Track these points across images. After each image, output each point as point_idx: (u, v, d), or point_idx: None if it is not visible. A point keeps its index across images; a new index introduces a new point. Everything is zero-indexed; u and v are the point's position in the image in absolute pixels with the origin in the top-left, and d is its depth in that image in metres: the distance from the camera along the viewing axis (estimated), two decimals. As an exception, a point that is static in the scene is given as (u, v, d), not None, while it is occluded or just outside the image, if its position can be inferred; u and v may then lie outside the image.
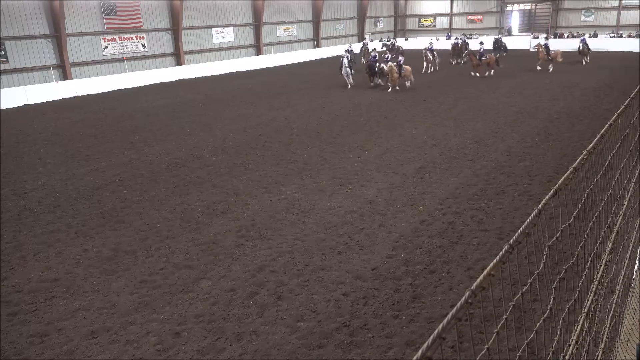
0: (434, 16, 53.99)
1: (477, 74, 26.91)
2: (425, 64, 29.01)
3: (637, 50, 32.63)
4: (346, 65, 24.71)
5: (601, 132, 3.04)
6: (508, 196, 9.82)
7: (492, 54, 28.67)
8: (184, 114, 19.81)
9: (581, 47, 31.49)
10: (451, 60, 33.16)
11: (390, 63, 22.91)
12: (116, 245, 8.31)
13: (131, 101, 23.73)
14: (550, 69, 27.87)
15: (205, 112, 20.12)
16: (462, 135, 14.69)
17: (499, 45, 35.65)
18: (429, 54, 29.03)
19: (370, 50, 30.10)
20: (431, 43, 31.25)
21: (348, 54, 26.01)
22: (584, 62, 30.95)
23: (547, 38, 32.67)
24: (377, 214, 9.17)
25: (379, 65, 23.35)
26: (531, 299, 5.38)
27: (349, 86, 24.63)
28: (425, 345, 1.25)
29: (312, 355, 5.37)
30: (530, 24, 49.98)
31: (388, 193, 10.25)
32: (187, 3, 33.21)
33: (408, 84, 23.16)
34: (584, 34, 35.09)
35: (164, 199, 10.49)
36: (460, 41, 34.55)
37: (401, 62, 24.18)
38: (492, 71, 27.00)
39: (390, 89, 22.80)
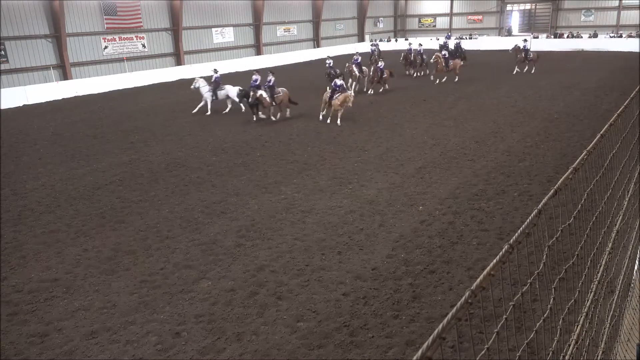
0: (434, 16, 54.03)
1: (439, 80, 25.31)
2: (350, 80, 22.89)
3: (637, 50, 32.61)
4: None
5: (601, 132, 3.04)
6: (508, 196, 9.82)
7: (457, 60, 26.74)
8: (184, 114, 19.81)
9: (522, 54, 27.83)
10: (407, 72, 28.50)
11: (260, 91, 17.30)
12: (116, 245, 8.31)
13: (131, 101, 23.73)
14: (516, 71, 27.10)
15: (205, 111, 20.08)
16: (462, 135, 14.69)
17: (460, 51, 31.73)
18: (355, 69, 23.01)
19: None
20: (357, 54, 25.00)
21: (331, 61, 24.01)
22: (532, 70, 27.70)
23: (525, 40, 29.68)
24: (377, 214, 9.17)
25: (252, 94, 17.37)
26: (531, 299, 5.37)
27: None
28: (425, 345, 1.25)
29: (312, 355, 5.37)
30: (530, 24, 49.98)
31: (388, 193, 10.25)
32: (187, 3, 33.21)
33: (287, 113, 18.34)
34: (525, 39, 30.37)
35: (164, 199, 10.49)
36: (413, 49, 28.54)
37: (381, 67, 22.66)
38: (457, 78, 25.41)
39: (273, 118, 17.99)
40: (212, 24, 35.77)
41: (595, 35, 42.74)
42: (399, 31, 55.53)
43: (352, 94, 17.88)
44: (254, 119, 17.80)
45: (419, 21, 55.05)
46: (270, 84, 17.57)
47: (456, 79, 25.40)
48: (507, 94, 21.68)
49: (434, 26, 54.03)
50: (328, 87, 18.19)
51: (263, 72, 19.39)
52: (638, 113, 4.34)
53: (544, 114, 17.24)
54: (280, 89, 17.87)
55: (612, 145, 3.32)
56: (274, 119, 17.85)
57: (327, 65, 23.97)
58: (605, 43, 39.74)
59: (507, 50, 32.36)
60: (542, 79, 25.25)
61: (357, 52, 26.17)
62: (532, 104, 18.95)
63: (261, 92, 17.29)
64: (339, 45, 45.25)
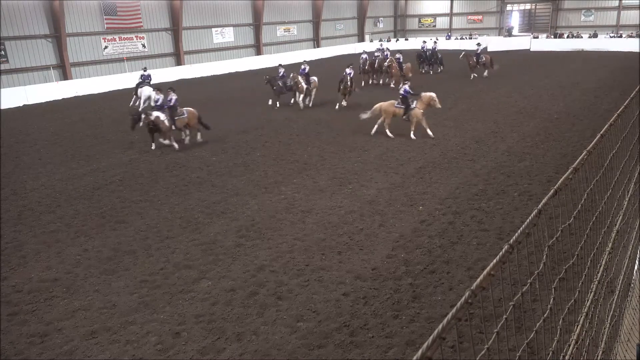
0: (434, 16, 54.02)
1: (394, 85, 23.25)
2: (297, 94, 19.87)
3: (637, 50, 32.59)
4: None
5: (601, 132, 3.04)
6: (508, 196, 9.82)
7: (409, 64, 24.98)
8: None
9: (473, 59, 26.45)
10: (370, 81, 26.07)
11: (157, 113, 14.24)
12: (116, 245, 8.31)
13: (131, 101, 23.71)
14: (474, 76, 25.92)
15: (205, 112, 20.07)
16: (462, 135, 14.69)
17: (436, 56, 29.45)
18: (301, 80, 19.61)
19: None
20: (305, 63, 20.90)
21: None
22: (484, 73, 26.80)
23: (479, 44, 27.89)
24: (377, 214, 9.17)
25: (145, 117, 14.36)
26: (531, 299, 5.37)
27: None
28: (425, 345, 1.25)
29: (312, 355, 5.37)
30: (530, 24, 49.98)
31: (388, 193, 10.25)
32: (187, 3, 33.20)
33: (198, 137, 15.20)
34: (478, 43, 28.45)
35: (164, 199, 10.49)
36: (376, 55, 25.93)
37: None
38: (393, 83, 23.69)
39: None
40: (212, 24, 35.76)
41: (595, 35, 42.74)
42: (399, 31, 55.51)
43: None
44: (152, 147, 14.45)
45: (419, 21, 55.04)
46: (172, 103, 14.42)
47: (392, 84, 23.46)
48: (507, 94, 21.68)
49: (434, 26, 54.02)
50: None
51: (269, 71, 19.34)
52: (638, 113, 4.34)
53: (544, 114, 17.24)
54: (185, 109, 14.60)
55: (612, 145, 3.32)
56: (176, 146, 14.14)
57: (279, 74, 20.76)
58: (605, 43, 39.73)
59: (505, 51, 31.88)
60: (542, 78, 25.25)
61: (304, 61, 21.77)
62: (532, 104, 18.95)
63: (157, 115, 14.13)
64: (339, 45, 45.28)
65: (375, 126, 15.01)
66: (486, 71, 26.85)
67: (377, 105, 14.92)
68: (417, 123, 14.47)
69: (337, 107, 19.46)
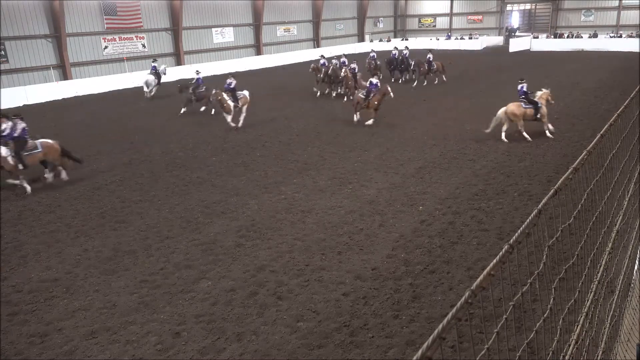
0: (434, 16, 54.05)
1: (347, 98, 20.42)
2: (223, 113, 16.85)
3: (637, 50, 32.60)
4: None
5: (601, 132, 3.04)
6: (508, 196, 9.81)
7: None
8: (184, 114, 19.79)
9: (425, 66, 24.97)
10: (319, 90, 23.24)
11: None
12: (116, 245, 8.31)
13: (131, 101, 23.72)
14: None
15: (205, 112, 20.11)
16: (462, 135, 14.69)
17: (405, 63, 26.74)
18: (226, 97, 16.45)
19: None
20: (231, 78, 17.81)
21: None
22: (435, 80, 25.50)
23: (406, 48, 26.28)
24: (377, 214, 9.17)
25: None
26: (531, 299, 5.38)
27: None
28: (425, 345, 1.25)
29: (312, 355, 5.37)
30: (530, 24, 49.99)
31: (388, 193, 10.25)
32: (187, 3, 33.21)
33: (63, 175, 11.89)
34: (429, 50, 26.71)
35: (164, 199, 10.49)
36: (333, 63, 23.01)
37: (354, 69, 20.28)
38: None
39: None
40: (212, 24, 35.77)
41: (595, 35, 42.76)
42: (399, 31, 55.54)
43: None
44: None
45: (419, 21, 55.06)
46: (16, 134, 11.09)
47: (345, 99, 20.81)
48: (508, 94, 21.65)
49: (434, 26, 54.05)
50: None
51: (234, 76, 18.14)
52: (638, 113, 4.34)
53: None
54: (39, 142, 11.60)
55: (612, 145, 3.32)
56: (28, 190, 11.06)
57: (194, 80, 20.36)
58: (605, 43, 39.77)
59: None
60: (542, 78, 25.23)
61: (230, 74, 20.16)
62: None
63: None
64: (338, 46, 45.23)
65: (503, 133, 13.83)
66: (437, 79, 25.36)
67: (500, 111, 13.76)
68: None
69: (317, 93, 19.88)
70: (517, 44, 42.16)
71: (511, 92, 21.86)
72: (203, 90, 19.85)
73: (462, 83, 25.08)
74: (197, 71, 21.06)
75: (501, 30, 50.25)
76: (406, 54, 26.78)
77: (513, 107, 13.76)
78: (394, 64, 26.97)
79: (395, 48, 27.68)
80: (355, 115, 16.76)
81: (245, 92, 17.03)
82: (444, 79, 25.72)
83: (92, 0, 28.38)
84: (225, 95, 16.26)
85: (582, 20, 46.12)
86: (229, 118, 16.33)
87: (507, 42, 44.90)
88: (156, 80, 24.47)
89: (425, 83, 25.31)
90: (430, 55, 25.55)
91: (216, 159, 13.37)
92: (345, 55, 26.16)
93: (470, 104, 19.55)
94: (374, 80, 16.75)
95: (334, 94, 22.61)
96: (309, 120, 17.79)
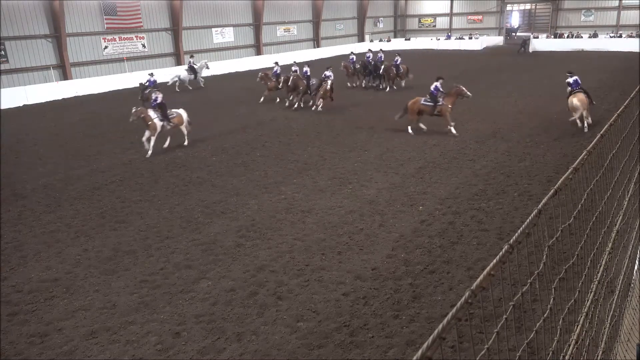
0: (434, 16, 54.03)
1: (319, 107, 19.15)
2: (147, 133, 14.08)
3: (637, 50, 32.59)
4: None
5: (601, 132, 3.04)
6: (508, 196, 9.81)
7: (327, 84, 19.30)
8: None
9: (393, 71, 23.36)
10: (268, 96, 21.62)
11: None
12: (116, 245, 8.31)
13: (131, 101, 23.70)
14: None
15: (205, 112, 20.11)
16: (462, 135, 14.69)
17: (378, 70, 24.15)
18: (151, 114, 13.87)
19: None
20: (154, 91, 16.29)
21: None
22: (402, 84, 24.01)
23: (381, 50, 24.61)
24: (377, 214, 9.17)
25: None
26: (531, 299, 5.37)
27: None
28: (425, 345, 1.25)
29: (312, 355, 5.37)
30: (530, 24, 49.99)
31: (388, 193, 10.25)
32: (187, 3, 33.20)
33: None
34: (397, 54, 24.72)
35: (164, 199, 10.49)
36: (293, 71, 20.55)
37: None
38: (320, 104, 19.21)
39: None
40: (212, 24, 35.76)
41: (595, 35, 42.76)
42: (399, 31, 55.54)
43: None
44: None
45: (419, 21, 55.05)
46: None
47: (295, 105, 19.59)
48: (508, 94, 21.67)
49: (434, 26, 54.05)
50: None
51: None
52: (638, 113, 4.34)
53: (544, 114, 17.24)
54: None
55: (612, 145, 3.32)
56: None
57: (146, 81, 19.87)
58: (605, 43, 39.75)
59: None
60: (542, 79, 25.23)
61: (156, 90, 17.06)
62: (532, 104, 18.95)
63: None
64: (338, 46, 45.25)
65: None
66: (403, 81, 24.03)
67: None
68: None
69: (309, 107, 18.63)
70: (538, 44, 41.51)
71: (511, 91, 21.91)
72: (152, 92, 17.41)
73: (462, 83, 25.01)
74: (150, 73, 21.59)
75: (501, 30, 50.25)
76: (381, 57, 24.43)
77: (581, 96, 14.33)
78: (369, 68, 24.47)
79: (370, 51, 25.40)
80: (412, 128, 15.06)
81: (180, 111, 14.78)
82: (402, 84, 23.83)
83: (92, 0, 28.37)
84: (151, 112, 13.76)
85: (582, 20, 46.11)
86: (147, 136, 13.67)
87: (509, 42, 44.84)
88: (192, 75, 26.61)
89: (395, 88, 23.51)
90: (398, 58, 23.67)
91: (216, 159, 13.37)
92: (297, 63, 22.66)
93: (470, 104, 19.51)
94: (438, 83, 15.02)
95: (295, 106, 19.73)
96: (309, 120, 17.78)
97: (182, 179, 11.71)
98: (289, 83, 19.94)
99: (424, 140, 14.32)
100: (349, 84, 25.28)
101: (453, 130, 14.62)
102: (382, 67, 23.76)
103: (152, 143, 13.76)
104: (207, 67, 27.84)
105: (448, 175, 11.20)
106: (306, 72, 20.45)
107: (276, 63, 22.83)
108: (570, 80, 15.54)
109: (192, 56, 28.05)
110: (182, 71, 27.11)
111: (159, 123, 13.80)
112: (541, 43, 42.35)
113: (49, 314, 6.34)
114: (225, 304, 6.39)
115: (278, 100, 21.26)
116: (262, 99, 21.57)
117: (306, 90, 19.81)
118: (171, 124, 14.27)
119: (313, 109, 19.23)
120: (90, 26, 28.66)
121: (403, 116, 15.17)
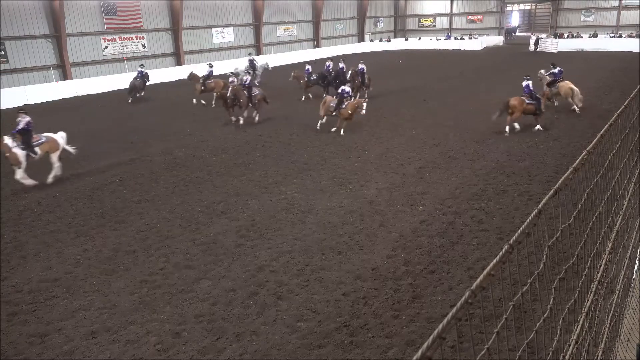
0: (434, 16, 54.08)
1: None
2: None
3: (637, 50, 32.59)
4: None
5: (601, 132, 3.04)
6: (508, 196, 9.81)
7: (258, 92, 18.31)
8: (184, 113, 19.80)
9: (359, 78, 21.25)
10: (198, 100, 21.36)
11: None
12: (116, 245, 8.31)
13: (131, 101, 23.71)
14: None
15: (205, 112, 20.12)
16: (462, 135, 14.69)
17: (341, 78, 20.97)
18: (60, 141, 12.11)
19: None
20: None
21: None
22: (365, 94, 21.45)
23: (362, 60, 22.35)
24: (377, 214, 9.17)
25: None
26: (531, 299, 5.36)
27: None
28: (425, 345, 1.25)
29: (312, 355, 5.37)
30: (530, 24, 50.00)
31: (388, 193, 10.24)
32: (187, 3, 33.21)
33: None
34: (329, 62, 22.95)
35: (164, 199, 10.49)
36: (230, 81, 19.63)
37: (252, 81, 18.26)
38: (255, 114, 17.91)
39: None
40: (212, 24, 35.77)
41: (595, 35, 42.76)
42: (399, 31, 55.56)
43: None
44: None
45: (419, 21, 55.09)
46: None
47: (256, 116, 17.90)
48: (508, 94, 21.62)
49: (434, 26, 54.09)
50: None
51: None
52: (638, 113, 4.34)
53: (544, 114, 17.20)
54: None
55: (612, 145, 3.32)
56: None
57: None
58: (605, 43, 39.77)
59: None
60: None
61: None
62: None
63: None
64: (338, 46, 45.25)
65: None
66: (367, 91, 21.71)
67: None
68: None
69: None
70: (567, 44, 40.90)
71: (511, 91, 21.85)
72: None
73: (462, 83, 25.06)
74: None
75: (501, 30, 50.26)
76: (342, 67, 22.01)
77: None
78: (328, 79, 22.03)
79: (330, 60, 23.49)
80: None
81: (56, 136, 11.99)
82: (366, 95, 21.23)
83: (92, 0, 28.37)
84: (8, 140, 11.06)
85: (582, 20, 46.14)
86: (18, 173, 11.19)
87: (509, 42, 44.82)
88: (251, 73, 22.77)
89: (359, 96, 20.65)
90: (362, 66, 21.51)
91: (216, 159, 13.37)
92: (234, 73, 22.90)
93: (470, 104, 19.53)
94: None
95: (234, 119, 17.60)
96: (309, 120, 17.76)
97: (182, 179, 11.71)
98: (229, 94, 17.47)
99: (424, 140, 14.32)
100: (303, 98, 22.31)
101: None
102: (349, 73, 21.19)
103: (19, 176, 11.19)
104: (269, 68, 27.14)
105: (448, 175, 11.19)
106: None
107: (236, 69, 24.15)
108: (555, 70, 17.58)
109: (250, 53, 27.59)
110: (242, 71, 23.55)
111: (20, 153, 11.12)
112: (540, 43, 42.32)
113: (49, 314, 6.34)
114: (225, 304, 6.39)
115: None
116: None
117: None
118: (36, 153, 11.42)
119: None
120: (90, 26, 28.66)
121: (501, 115, 14.67)
